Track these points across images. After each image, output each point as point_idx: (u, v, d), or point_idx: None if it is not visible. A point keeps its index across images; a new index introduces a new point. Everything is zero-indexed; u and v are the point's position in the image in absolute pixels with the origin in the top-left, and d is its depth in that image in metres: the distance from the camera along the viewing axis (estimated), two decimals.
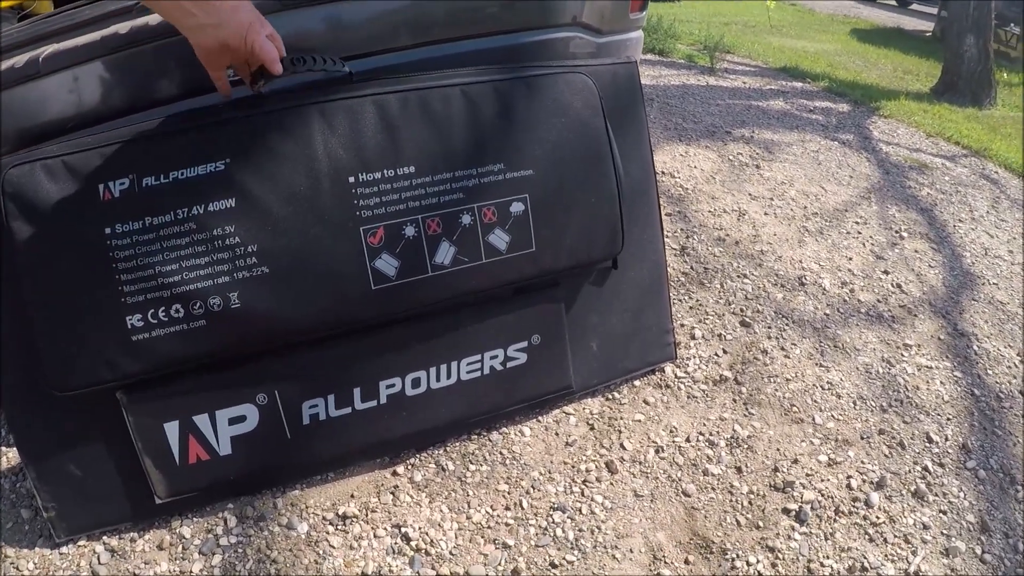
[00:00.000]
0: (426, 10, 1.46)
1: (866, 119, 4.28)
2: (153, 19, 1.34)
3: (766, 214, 2.64)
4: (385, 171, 1.26)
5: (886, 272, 2.37)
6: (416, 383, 1.43)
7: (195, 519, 1.39)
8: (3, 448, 1.65)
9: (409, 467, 1.49)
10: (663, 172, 2.85)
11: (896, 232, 2.69)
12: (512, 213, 1.35)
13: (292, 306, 1.26)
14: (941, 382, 1.87)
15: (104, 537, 1.36)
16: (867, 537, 1.41)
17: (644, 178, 1.61)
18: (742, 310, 2.05)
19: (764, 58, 5.81)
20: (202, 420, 1.34)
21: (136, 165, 1.20)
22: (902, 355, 1.95)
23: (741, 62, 5.67)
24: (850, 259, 2.43)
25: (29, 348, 1.23)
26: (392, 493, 1.43)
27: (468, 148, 1.32)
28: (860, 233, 2.64)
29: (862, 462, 1.58)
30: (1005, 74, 6.57)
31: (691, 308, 2.04)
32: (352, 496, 1.43)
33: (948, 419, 1.74)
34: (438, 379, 1.44)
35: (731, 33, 7.12)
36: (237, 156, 1.22)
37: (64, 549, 1.33)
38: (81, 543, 1.34)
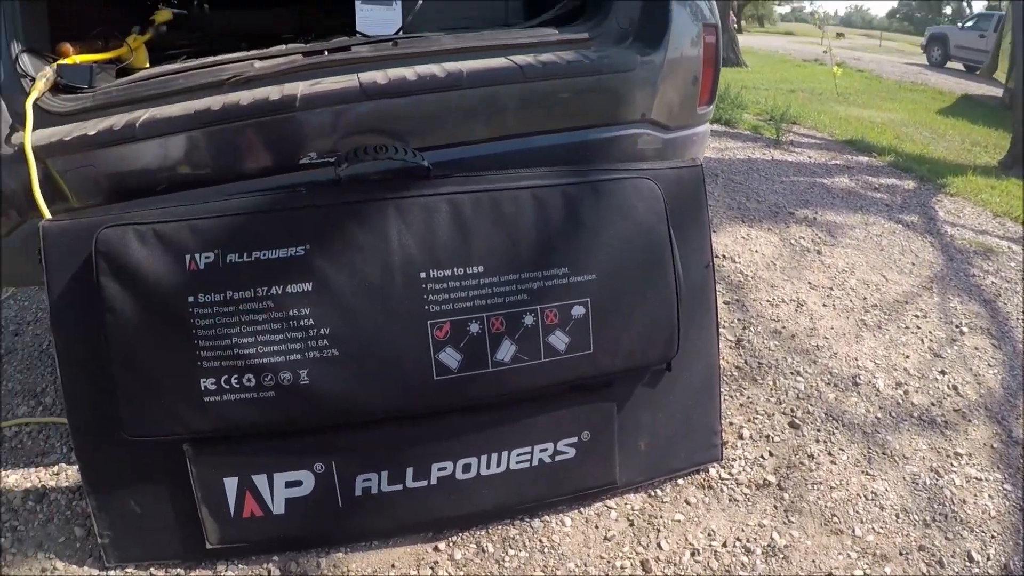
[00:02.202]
0: (501, 104, 1.54)
1: (932, 197, 4.22)
2: (244, 97, 1.46)
3: (824, 305, 2.63)
4: (455, 269, 1.33)
5: (943, 372, 2.34)
6: (467, 468, 1.48)
7: (240, 566, 1.46)
8: (64, 465, 1.76)
9: (451, 544, 1.54)
10: (724, 256, 2.87)
11: (956, 327, 2.64)
12: (573, 316, 1.41)
13: (357, 388, 1.33)
14: (989, 495, 1.83)
15: (152, 569, 1.44)
16: None
17: (702, 279, 1.65)
18: (792, 410, 2.05)
19: (830, 129, 5.77)
20: (260, 480, 1.43)
21: (221, 241, 1.30)
22: (951, 464, 1.92)
23: (807, 134, 5.65)
24: (907, 357, 2.40)
25: (103, 388, 1.33)
26: (431, 568, 1.48)
27: (535, 251, 1.39)
28: (919, 328, 2.60)
29: None
30: None
31: (741, 405, 2.05)
32: (393, 566, 1.48)
33: (992, 536, 1.70)
34: (488, 466, 1.49)
35: (798, 101, 7.10)
36: (316, 243, 1.31)
37: (112, 573, 1.42)
38: (129, 570, 1.43)
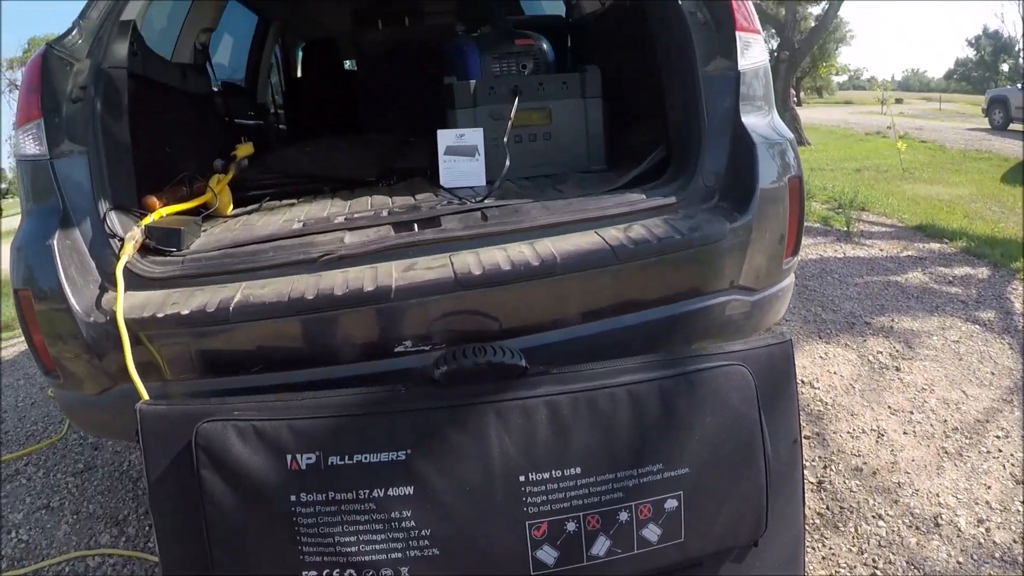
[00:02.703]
0: (593, 287, 1.58)
1: (1007, 286, 4.09)
2: (337, 284, 1.51)
3: (905, 433, 2.57)
4: (553, 471, 1.35)
5: None
6: None
7: None
8: None
9: None
10: (803, 381, 2.84)
11: None
12: (666, 509, 1.41)
13: None
14: None
15: None
16: None
17: (791, 455, 1.64)
18: (874, 560, 1.99)
19: (899, 214, 5.69)
20: None
21: (323, 443, 1.34)
22: None
23: (877, 221, 5.59)
24: (988, 487, 2.32)
25: (203, 570, 1.36)
26: None
27: (631, 448, 1.40)
28: (1000, 451, 2.51)
29: None
30: None
31: (824, 558, 2.01)
32: None
33: None
34: None
35: (864, 182, 7.03)
36: (417, 447, 1.34)
37: None
38: None
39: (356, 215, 1.89)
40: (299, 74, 5.13)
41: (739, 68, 1.82)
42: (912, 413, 2.70)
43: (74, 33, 1.76)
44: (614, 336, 1.60)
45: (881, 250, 4.72)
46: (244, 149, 2.64)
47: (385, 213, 1.86)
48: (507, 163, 2.06)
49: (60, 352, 1.60)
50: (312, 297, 1.48)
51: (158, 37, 2.89)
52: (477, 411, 1.36)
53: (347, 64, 5.25)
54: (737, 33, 1.82)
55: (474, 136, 2.14)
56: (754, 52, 1.87)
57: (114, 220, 1.69)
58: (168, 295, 1.57)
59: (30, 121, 1.68)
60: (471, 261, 1.54)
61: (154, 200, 1.91)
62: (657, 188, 1.83)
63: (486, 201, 1.85)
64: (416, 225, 1.73)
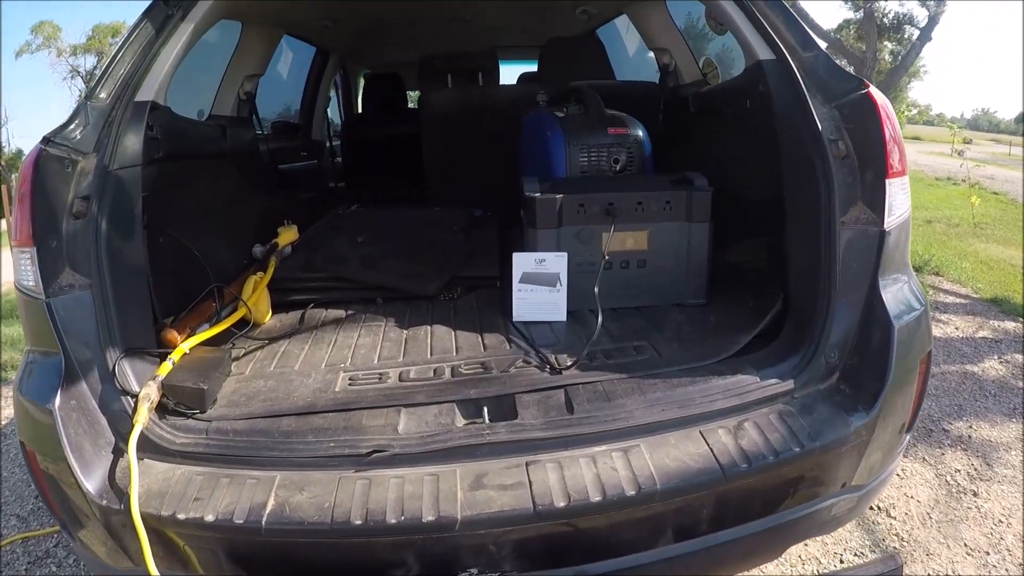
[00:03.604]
0: (694, 508, 1.37)
1: None
2: (392, 508, 1.28)
3: None
4: None
5: None
6: None
7: None
8: None
9: None
10: (879, 507, 2.63)
11: None
12: None
13: None
14: None
15: None
16: None
17: None
18: None
19: (973, 283, 5.39)
20: None
21: None
22: None
23: (951, 290, 5.30)
24: None
25: None
26: None
27: None
28: None
29: None
30: None
31: None
32: None
33: None
34: None
35: (936, 236, 6.68)
36: None
37: None
38: None
39: (412, 369, 1.66)
40: (359, 109, 4.84)
41: (884, 226, 1.55)
42: (988, 554, 2.48)
43: (77, 121, 1.51)
44: (707, 554, 1.39)
45: (956, 328, 4.46)
46: (287, 236, 2.42)
47: (448, 373, 1.63)
48: (599, 321, 1.77)
49: (73, 525, 1.42)
50: (360, 522, 1.24)
51: (190, 94, 2.65)
52: None
53: (411, 96, 4.96)
54: (887, 181, 1.55)
55: (557, 262, 1.87)
56: (901, 203, 1.59)
57: (126, 372, 1.47)
58: (190, 481, 1.35)
59: (24, 247, 1.45)
60: (553, 483, 1.30)
61: (175, 335, 1.69)
62: (770, 361, 1.59)
63: (572, 372, 1.60)
64: (486, 410, 1.48)
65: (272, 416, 1.48)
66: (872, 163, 1.55)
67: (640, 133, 2.38)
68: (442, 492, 1.28)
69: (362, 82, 4.95)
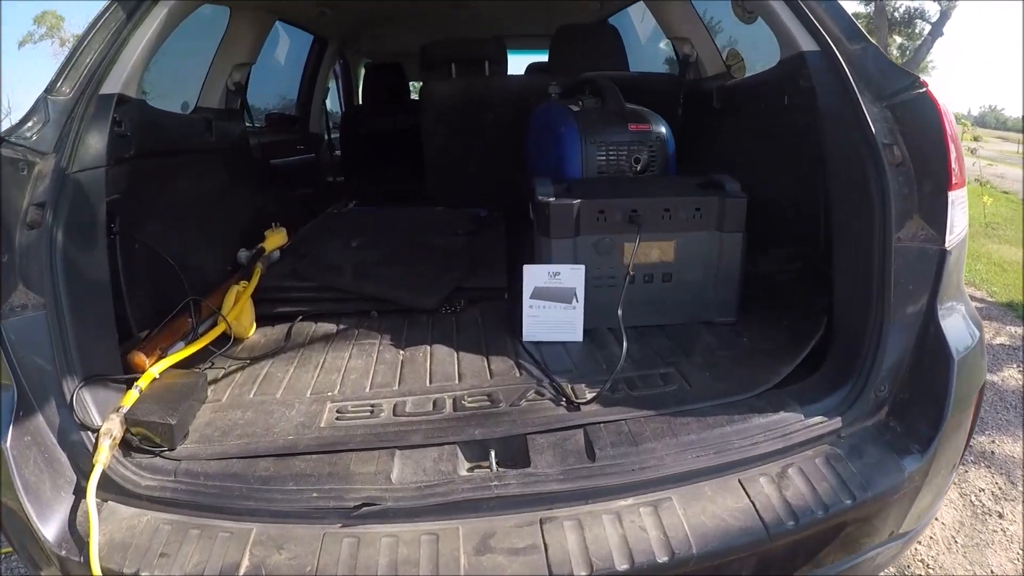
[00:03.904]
0: (733, 571, 1.21)
1: None
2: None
3: None
4: None
5: None
6: None
7: None
8: None
9: None
10: None
11: None
12: None
13: None
14: None
15: None
16: None
17: None
18: None
19: (988, 286, 5.25)
20: None
21: None
22: None
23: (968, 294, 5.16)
24: None
25: None
26: None
27: None
28: None
29: None
30: None
31: None
32: None
33: None
34: None
35: None
36: None
37: None
38: None
39: (409, 400, 1.48)
40: (359, 100, 4.61)
41: (945, 244, 1.37)
42: None
43: (36, 118, 1.32)
44: None
45: None
46: (275, 239, 2.22)
47: (449, 406, 1.44)
48: (624, 349, 1.57)
49: (36, 568, 1.26)
50: None
51: (173, 85, 2.46)
52: None
53: (414, 87, 4.73)
54: (950, 193, 1.36)
55: (573, 276, 1.69)
56: (960, 219, 1.41)
57: (87, 402, 1.30)
58: (157, 530, 1.19)
59: None
60: (573, 546, 1.12)
61: (142, 358, 1.50)
62: (814, 395, 1.41)
63: (592, 407, 1.42)
64: (493, 453, 1.30)
65: (248, 457, 1.31)
66: (932, 172, 1.37)
67: (663, 130, 2.18)
68: (442, 556, 1.11)
69: (363, 72, 4.74)
